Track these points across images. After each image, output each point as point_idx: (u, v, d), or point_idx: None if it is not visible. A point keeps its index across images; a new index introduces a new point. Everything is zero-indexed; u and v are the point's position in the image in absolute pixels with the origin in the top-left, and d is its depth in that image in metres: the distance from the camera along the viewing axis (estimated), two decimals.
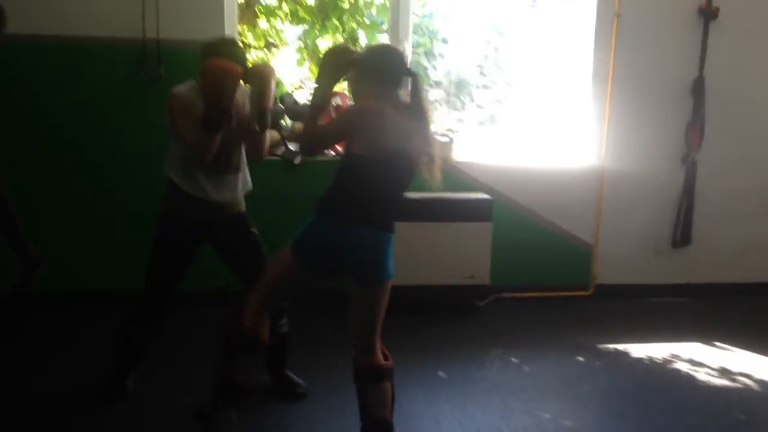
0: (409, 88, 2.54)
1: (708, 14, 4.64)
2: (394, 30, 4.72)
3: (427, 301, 4.47)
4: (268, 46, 4.76)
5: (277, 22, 4.78)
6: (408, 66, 2.60)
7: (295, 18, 4.82)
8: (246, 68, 2.93)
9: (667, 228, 4.90)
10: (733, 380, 3.71)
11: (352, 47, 2.68)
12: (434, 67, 5.69)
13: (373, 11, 4.90)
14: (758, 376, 3.76)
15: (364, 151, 2.42)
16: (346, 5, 4.78)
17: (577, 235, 4.82)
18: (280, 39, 4.81)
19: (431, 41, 5.40)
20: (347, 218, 2.46)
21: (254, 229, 3.23)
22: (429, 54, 5.55)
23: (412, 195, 4.43)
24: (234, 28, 4.38)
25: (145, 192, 4.06)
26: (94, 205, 4.33)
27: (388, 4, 4.82)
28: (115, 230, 4.35)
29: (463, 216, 4.44)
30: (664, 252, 4.93)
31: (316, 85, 2.60)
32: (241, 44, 3.08)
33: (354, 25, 4.83)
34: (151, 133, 4.14)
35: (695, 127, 4.75)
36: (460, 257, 4.48)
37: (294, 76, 4.93)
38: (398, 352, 2.81)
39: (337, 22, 4.80)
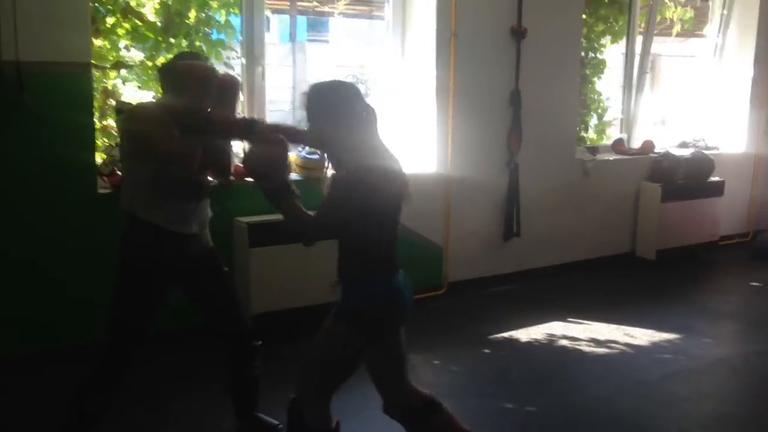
0: (367, 122, 2.39)
1: (518, 34, 5.28)
2: (249, 47, 4.61)
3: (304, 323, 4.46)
4: (118, 65, 4.31)
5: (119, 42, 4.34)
6: (365, 99, 2.45)
7: (136, 36, 4.43)
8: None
9: (500, 225, 5.48)
10: (611, 347, 4.36)
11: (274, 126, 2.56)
12: None
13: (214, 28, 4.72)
14: (622, 341, 4.45)
15: (369, 217, 2.31)
16: (191, 21, 4.53)
17: (430, 238, 5.16)
18: (121, 58, 4.37)
19: None
20: (388, 271, 2.42)
21: (225, 267, 3.01)
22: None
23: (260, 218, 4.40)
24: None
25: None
26: None
27: (229, 19, 4.68)
28: None
29: None
30: (498, 246, 5.49)
31: (267, 185, 2.34)
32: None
33: (199, 42, 4.60)
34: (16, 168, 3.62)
35: (514, 134, 5.38)
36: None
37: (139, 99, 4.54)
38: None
39: (183, 40, 4.53)
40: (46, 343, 3.87)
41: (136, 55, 4.47)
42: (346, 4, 5.32)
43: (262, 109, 4.71)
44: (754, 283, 5.84)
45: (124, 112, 4.07)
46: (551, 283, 5.57)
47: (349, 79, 5.19)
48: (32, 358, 3.75)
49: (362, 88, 2.83)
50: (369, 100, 2.43)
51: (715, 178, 6.47)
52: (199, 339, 3.90)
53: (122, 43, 4.42)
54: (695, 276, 6.09)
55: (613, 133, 6.69)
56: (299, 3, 5.22)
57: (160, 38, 4.47)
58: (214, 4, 4.60)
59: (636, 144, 6.50)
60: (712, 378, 3.98)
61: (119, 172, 4.02)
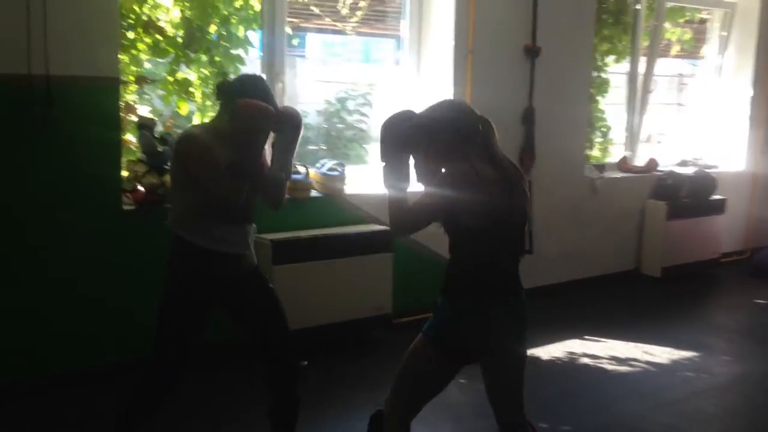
0: (482, 136, 2.36)
1: (533, 52, 5.33)
2: (270, 63, 4.58)
3: (336, 339, 4.42)
4: (140, 81, 4.25)
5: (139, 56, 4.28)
6: (477, 114, 2.44)
7: (156, 51, 4.38)
8: (276, 111, 2.71)
9: None
10: (632, 366, 4.37)
11: (410, 113, 2.43)
12: None
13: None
14: (642, 359, 4.46)
15: (474, 222, 2.25)
16: (211, 36, 4.49)
17: (443, 254, 5.13)
18: (141, 73, 4.31)
19: None
20: (490, 293, 2.35)
21: (271, 284, 2.96)
22: None
23: (314, 233, 4.39)
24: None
25: (30, 256, 3.59)
26: None
27: (247, 35, 4.65)
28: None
29: (365, 249, 4.49)
30: None
31: (385, 167, 2.37)
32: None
33: (218, 58, 4.56)
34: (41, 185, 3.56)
35: (528, 151, 5.40)
36: (366, 290, 4.51)
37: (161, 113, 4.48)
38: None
39: (203, 55, 4.49)
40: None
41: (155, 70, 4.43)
42: (357, 22, 5.30)
43: None
44: (758, 300, 5.91)
45: (147, 126, 4.07)
46: (563, 300, 5.57)
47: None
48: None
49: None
50: (480, 115, 2.41)
51: (716, 197, 6.56)
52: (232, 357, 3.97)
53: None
54: (701, 293, 6.15)
55: (614, 151, 6.76)
56: (316, 21, 5.20)
57: (180, 53, 4.43)
58: (233, 20, 4.59)
59: (639, 162, 6.56)
60: (739, 396, 4.01)
61: (141, 189, 3.97)
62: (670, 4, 6.70)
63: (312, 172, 4.53)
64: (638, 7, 6.40)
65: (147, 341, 2.74)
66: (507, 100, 5.27)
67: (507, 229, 2.34)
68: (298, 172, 4.39)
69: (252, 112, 2.56)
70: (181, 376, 2.76)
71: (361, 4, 5.11)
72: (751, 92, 6.96)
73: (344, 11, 5.11)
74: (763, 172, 7.20)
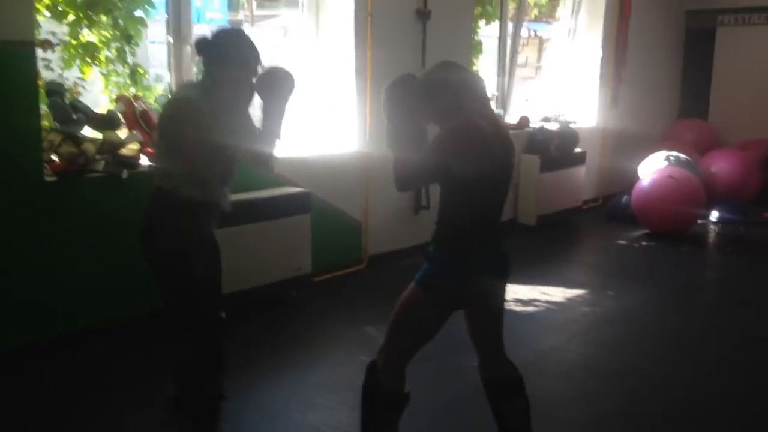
0: (479, 93, 2.52)
1: (424, 15, 5.54)
2: (176, 26, 4.45)
3: (259, 301, 4.47)
4: (44, 44, 3.95)
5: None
6: (473, 73, 2.60)
7: (55, 13, 4.08)
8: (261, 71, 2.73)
9: (411, 199, 5.73)
10: (537, 306, 4.79)
11: (410, 76, 2.54)
12: None
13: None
14: (542, 299, 4.91)
15: (471, 173, 2.38)
16: None
17: (351, 214, 5.31)
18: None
19: None
20: (481, 242, 2.51)
21: None
22: None
23: (234, 198, 4.36)
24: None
25: None
26: None
27: None
28: None
29: (286, 211, 4.54)
30: (409, 219, 5.76)
31: (389, 127, 2.51)
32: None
33: (121, 19, 4.33)
34: None
35: None
36: (285, 252, 4.58)
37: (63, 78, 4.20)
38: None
39: (104, 16, 4.25)
40: None
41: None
42: None
43: None
44: (620, 241, 6.60)
45: (57, 93, 3.87)
46: None
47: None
48: None
49: None
50: (475, 71, 2.54)
51: (578, 150, 7.18)
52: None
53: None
54: (572, 238, 6.78)
55: None
56: None
57: (81, 14, 4.20)
58: None
59: (512, 120, 7.02)
60: (630, 323, 4.54)
61: (56, 159, 3.78)
62: None
63: None
64: None
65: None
66: (402, 63, 5.43)
67: (501, 181, 2.53)
68: None
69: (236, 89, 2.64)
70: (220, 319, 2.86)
71: None
72: (600, 53, 7.64)
73: None
74: (611, 127, 7.96)
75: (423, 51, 5.56)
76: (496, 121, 2.55)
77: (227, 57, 2.64)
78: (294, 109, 2.81)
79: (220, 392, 2.90)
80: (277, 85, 2.72)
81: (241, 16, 7.20)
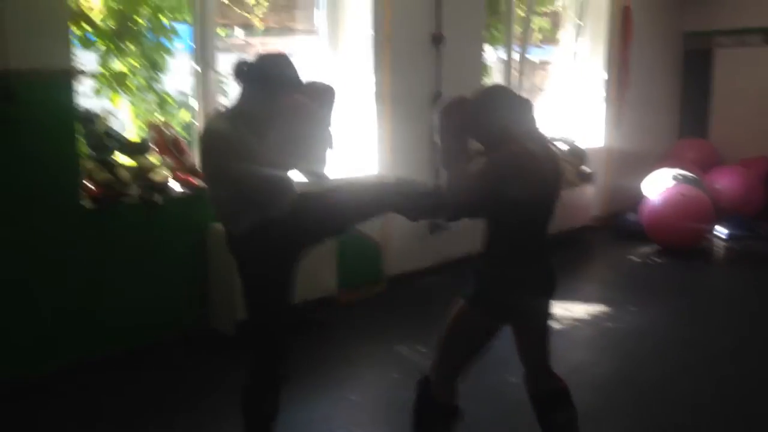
0: (528, 116, 2.59)
1: (438, 39, 5.65)
2: (202, 54, 4.53)
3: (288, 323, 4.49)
4: (77, 73, 4.00)
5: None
6: (522, 97, 2.66)
7: (85, 42, 4.15)
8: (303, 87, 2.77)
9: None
10: (563, 323, 4.84)
11: (464, 99, 2.63)
12: None
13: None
14: (567, 316, 4.96)
15: (526, 196, 2.45)
16: (141, 26, 4.33)
17: (371, 235, 5.35)
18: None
19: None
20: (529, 260, 2.57)
21: None
22: None
23: None
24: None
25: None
26: None
27: (173, 26, 4.57)
28: None
29: None
30: (425, 238, 5.81)
31: (443, 150, 2.57)
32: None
33: (149, 48, 4.40)
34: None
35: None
36: (312, 273, 4.61)
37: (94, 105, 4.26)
38: None
39: (132, 46, 4.32)
40: None
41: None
42: (265, 13, 5.34)
43: None
44: (632, 257, 6.68)
45: (90, 120, 3.92)
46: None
47: None
48: None
49: None
50: (524, 97, 2.62)
51: (586, 169, 7.28)
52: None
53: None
54: (585, 255, 6.84)
55: None
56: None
57: (111, 44, 4.28)
58: (162, 9, 4.48)
59: None
60: (654, 337, 4.61)
61: (91, 186, 3.83)
62: None
63: None
64: None
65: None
66: (420, 86, 5.56)
67: (550, 203, 2.60)
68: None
69: (299, 115, 2.63)
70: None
71: None
72: (605, 75, 7.78)
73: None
74: (615, 147, 8.07)
75: (438, 74, 5.67)
76: (545, 145, 2.61)
77: (275, 78, 2.67)
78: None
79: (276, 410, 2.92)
80: (321, 98, 2.78)
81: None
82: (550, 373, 2.79)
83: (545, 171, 2.51)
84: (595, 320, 4.88)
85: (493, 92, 2.68)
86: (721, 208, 7.52)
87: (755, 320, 4.97)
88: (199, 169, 2.83)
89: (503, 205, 2.51)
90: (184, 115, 4.73)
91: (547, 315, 2.75)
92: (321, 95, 2.80)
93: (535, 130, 2.60)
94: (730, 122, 9.06)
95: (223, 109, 2.78)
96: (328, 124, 2.81)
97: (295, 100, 2.64)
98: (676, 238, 6.65)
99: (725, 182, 7.91)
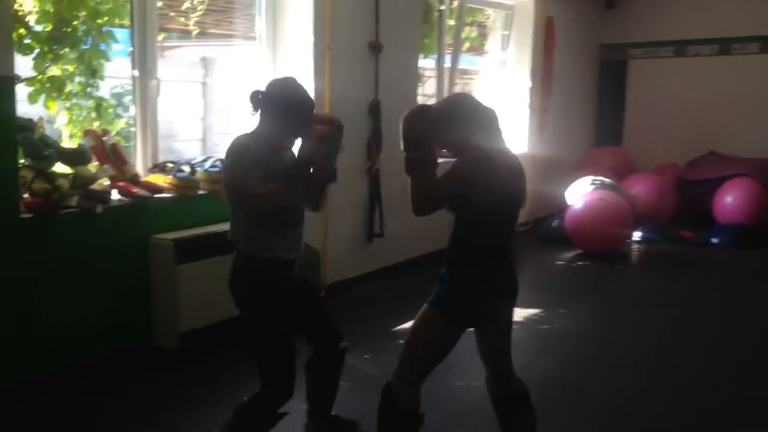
0: (492, 124, 2.69)
1: (376, 48, 5.73)
2: (142, 60, 4.45)
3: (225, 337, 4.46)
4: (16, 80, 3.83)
5: None
6: (484, 105, 2.74)
7: (20, 47, 3.98)
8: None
9: (364, 226, 5.86)
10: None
11: (426, 107, 2.70)
12: None
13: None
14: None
15: (486, 201, 2.54)
16: (79, 30, 4.19)
17: (311, 243, 5.37)
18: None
19: None
20: (492, 265, 2.66)
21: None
22: None
23: (209, 229, 4.37)
24: None
25: None
26: None
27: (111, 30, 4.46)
28: None
29: None
30: (363, 246, 5.88)
31: (407, 156, 2.62)
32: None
33: (87, 54, 4.26)
34: None
35: (374, 142, 5.79)
36: None
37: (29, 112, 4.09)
38: None
39: (69, 50, 4.17)
40: None
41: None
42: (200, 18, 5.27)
43: (155, 125, 4.57)
44: (558, 262, 6.95)
45: (28, 128, 3.79)
46: (414, 275, 6.05)
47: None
48: None
49: None
50: (487, 106, 2.72)
51: None
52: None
53: None
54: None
55: None
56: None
57: (46, 48, 4.15)
58: (101, 13, 4.37)
59: None
60: (594, 338, 4.84)
61: (28, 196, 3.71)
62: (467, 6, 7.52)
63: (197, 170, 4.51)
64: (443, 7, 7.10)
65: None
66: (358, 94, 5.63)
67: (511, 208, 2.71)
68: (194, 172, 4.41)
69: (328, 139, 2.76)
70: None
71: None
72: (530, 84, 8.05)
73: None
74: (538, 154, 8.36)
75: (376, 82, 5.74)
76: (507, 152, 2.71)
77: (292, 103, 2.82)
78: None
79: None
80: (332, 123, 2.86)
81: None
82: (512, 376, 2.90)
83: (506, 177, 2.61)
84: (527, 323, 5.06)
85: (457, 101, 2.79)
86: (637, 214, 7.92)
87: (673, 319, 5.26)
88: (223, 187, 2.83)
89: (465, 209, 2.63)
90: (123, 123, 4.63)
91: (510, 318, 2.85)
92: (332, 125, 2.85)
93: (498, 138, 2.70)
94: (643, 131, 9.54)
95: (246, 133, 2.85)
96: (334, 157, 2.87)
97: (321, 127, 2.76)
98: (598, 242, 6.96)
99: (640, 188, 8.30)
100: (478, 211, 2.60)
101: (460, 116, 2.67)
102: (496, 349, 2.86)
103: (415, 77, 6.40)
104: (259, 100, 2.81)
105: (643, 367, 4.32)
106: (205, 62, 6.38)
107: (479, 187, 2.55)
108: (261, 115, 2.83)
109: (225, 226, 4.27)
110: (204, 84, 6.37)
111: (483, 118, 2.68)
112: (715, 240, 7.72)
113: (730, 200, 7.91)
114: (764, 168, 8.00)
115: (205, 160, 4.60)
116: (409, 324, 4.70)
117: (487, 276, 2.67)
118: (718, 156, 8.72)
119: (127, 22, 4.46)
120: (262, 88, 2.85)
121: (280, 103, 2.78)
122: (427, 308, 2.71)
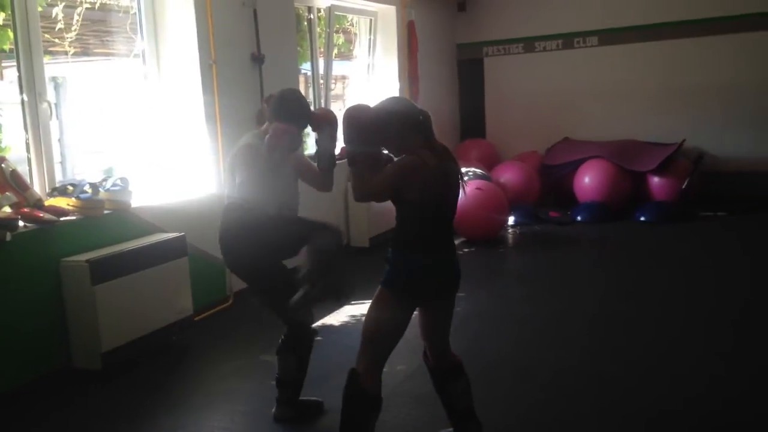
0: (424, 126, 2.90)
1: (259, 59, 5.85)
2: (30, 82, 4.35)
3: (147, 349, 4.45)
4: None
5: None
6: (418, 108, 2.97)
7: None
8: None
9: None
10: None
11: (367, 106, 2.95)
12: None
13: None
14: None
15: (418, 200, 2.79)
16: None
17: (212, 253, 5.41)
18: None
19: None
20: (431, 249, 2.87)
21: None
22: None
23: (118, 248, 4.33)
24: None
25: None
26: None
27: None
28: None
29: (164, 257, 4.58)
30: None
31: (349, 150, 2.84)
32: None
33: None
34: None
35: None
36: (168, 297, 4.60)
37: None
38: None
39: None
40: None
41: None
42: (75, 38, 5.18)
43: (49, 149, 4.47)
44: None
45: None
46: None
47: None
48: None
49: None
50: (420, 109, 2.96)
51: None
52: None
53: None
54: None
55: None
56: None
57: None
58: None
59: None
60: (495, 316, 5.22)
61: None
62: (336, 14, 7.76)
63: (100, 190, 4.46)
64: (311, 16, 7.30)
65: None
66: (246, 104, 5.71)
67: (446, 200, 2.94)
68: (97, 192, 4.37)
69: (278, 140, 3.22)
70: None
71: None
72: (398, 85, 8.41)
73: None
74: None
75: (261, 91, 5.86)
76: (439, 150, 2.94)
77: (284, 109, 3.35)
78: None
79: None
80: (323, 121, 3.34)
81: None
82: (448, 350, 3.16)
83: (437, 176, 2.85)
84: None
85: (390, 103, 2.99)
86: (508, 199, 8.48)
87: (558, 291, 5.77)
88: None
89: (400, 204, 2.88)
90: (14, 149, 4.49)
91: (452, 299, 3.09)
92: (322, 120, 3.35)
93: (431, 137, 2.93)
94: (503, 122, 10.18)
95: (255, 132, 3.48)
96: (333, 144, 3.37)
97: (276, 129, 3.24)
98: (480, 229, 7.41)
99: (507, 176, 8.88)
100: (413, 205, 2.84)
101: (392, 118, 2.88)
102: (437, 326, 3.10)
103: (296, 84, 6.56)
104: (268, 104, 3.46)
105: (546, 337, 4.74)
106: (55, 82, 6.15)
107: (412, 187, 2.80)
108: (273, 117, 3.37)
109: (136, 243, 4.44)
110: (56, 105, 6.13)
111: (414, 120, 2.91)
112: (579, 218, 8.41)
113: (587, 180, 8.64)
114: (614, 149, 8.80)
115: (105, 180, 4.55)
116: (324, 321, 4.98)
117: (425, 257, 2.88)
118: (572, 141, 9.48)
119: (8, 47, 4.34)
120: (264, 98, 3.47)
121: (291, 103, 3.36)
122: (381, 290, 2.92)
